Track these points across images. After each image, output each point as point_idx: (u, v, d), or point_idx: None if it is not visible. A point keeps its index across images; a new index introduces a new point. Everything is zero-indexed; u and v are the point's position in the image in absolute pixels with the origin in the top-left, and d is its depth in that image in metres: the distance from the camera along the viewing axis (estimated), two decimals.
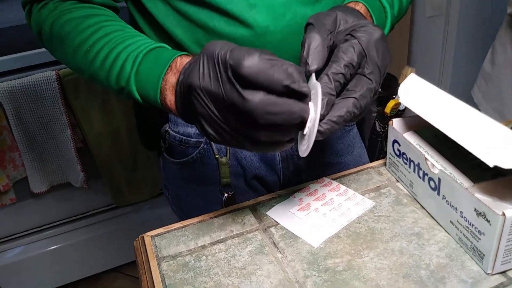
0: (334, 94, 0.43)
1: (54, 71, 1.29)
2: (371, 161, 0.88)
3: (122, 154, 1.47)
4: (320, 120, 0.42)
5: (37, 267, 1.60)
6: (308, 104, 0.40)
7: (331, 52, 0.46)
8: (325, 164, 0.75)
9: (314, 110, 0.41)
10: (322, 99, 0.42)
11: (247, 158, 0.71)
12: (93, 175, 1.48)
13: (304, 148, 0.44)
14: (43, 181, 1.43)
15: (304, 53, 0.44)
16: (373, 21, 0.56)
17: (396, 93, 1.03)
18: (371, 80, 0.44)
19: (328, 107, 0.42)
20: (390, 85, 1.02)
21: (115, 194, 1.54)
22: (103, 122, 1.39)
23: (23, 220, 1.53)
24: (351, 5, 0.55)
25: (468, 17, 1.76)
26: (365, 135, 0.93)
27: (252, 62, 0.38)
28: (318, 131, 0.42)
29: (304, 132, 0.42)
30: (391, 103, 0.87)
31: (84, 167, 1.43)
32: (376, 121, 1.01)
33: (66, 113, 1.34)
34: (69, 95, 1.32)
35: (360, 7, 0.55)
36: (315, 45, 0.44)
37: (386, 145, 1.04)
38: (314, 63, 0.44)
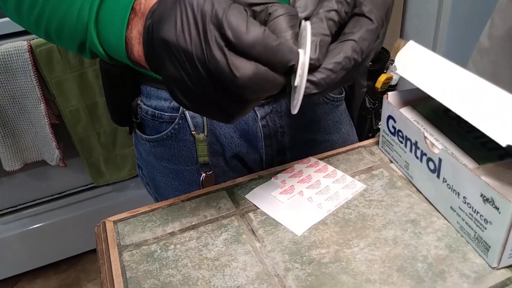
0: (328, 35, 0.35)
1: (25, 41, 1.19)
2: (360, 139, 0.83)
3: (101, 130, 1.40)
4: (314, 67, 0.35)
5: (14, 248, 1.54)
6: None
7: None
8: (311, 142, 0.70)
9: (303, 54, 0.34)
10: (313, 41, 0.34)
11: (226, 135, 0.65)
12: (70, 152, 1.41)
13: (295, 103, 0.36)
14: (16, 159, 1.36)
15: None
16: None
17: (387, 67, 0.96)
18: (370, 19, 0.37)
19: (323, 49, 0.35)
20: (381, 59, 0.95)
21: (93, 172, 1.47)
22: (79, 96, 1.31)
23: None
24: None
25: None
26: (354, 111, 0.86)
27: (255, 35, 0.31)
28: (311, 81, 0.35)
29: (295, 84, 0.35)
30: (382, 77, 0.80)
31: (59, 144, 1.35)
32: (366, 97, 0.95)
33: (39, 86, 1.26)
34: (42, 67, 1.23)
35: None
36: None
37: (376, 122, 0.98)
38: (304, 8, 0.37)
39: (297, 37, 0.34)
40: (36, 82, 1.25)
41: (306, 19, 0.37)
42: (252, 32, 0.32)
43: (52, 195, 1.53)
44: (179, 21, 0.33)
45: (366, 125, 0.93)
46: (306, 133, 0.68)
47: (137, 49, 0.39)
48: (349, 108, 0.78)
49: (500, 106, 0.39)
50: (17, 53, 1.19)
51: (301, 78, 0.34)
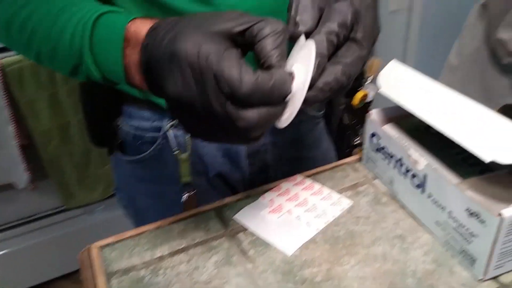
0: (326, 55, 0.37)
1: None
2: (338, 155, 0.84)
3: (73, 151, 1.36)
4: (310, 85, 0.36)
5: None
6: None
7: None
8: (293, 159, 0.70)
9: (305, 72, 0.35)
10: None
11: (209, 154, 0.64)
12: (40, 175, 1.36)
13: (286, 117, 0.37)
14: None
15: (293, 11, 0.39)
16: None
17: (363, 84, 0.99)
18: (363, 46, 0.39)
19: (319, 70, 0.37)
20: (357, 77, 0.98)
21: (64, 195, 1.42)
22: (51, 117, 1.28)
23: None
24: None
25: (431, 11, 1.77)
26: (333, 128, 0.88)
27: (250, 86, 0.32)
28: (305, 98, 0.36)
29: (287, 99, 0.36)
30: (359, 94, 0.82)
31: (29, 166, 1.31)
32: (344, 114, 0.97)
33: (9, 106, 1.22)
34: (12, 86, 1.20)
35: None
36: (305, 4, 0.39)
37: (355, 138, 1.00)
38: (305, 23, 0.38)
39: (283, 56, 0.35)
40: (6, 102, 1.21)
41: (307, 33, 0.38)
42: (246, 83, 0.32)
43: (21, 219, 1.47)
44: (180, 80, 0.34)
45: (344, 141, 0.94)
46: (288, 150, 0.69)
47: (138, 78, 0.39)
48: (328, 125, 0.80)
49: (480, 122, 0.41)
50: None
51: (295, 95, 0.35)
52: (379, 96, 0.55)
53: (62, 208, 1.49)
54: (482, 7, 0.90)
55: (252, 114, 0.33)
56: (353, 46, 0.39)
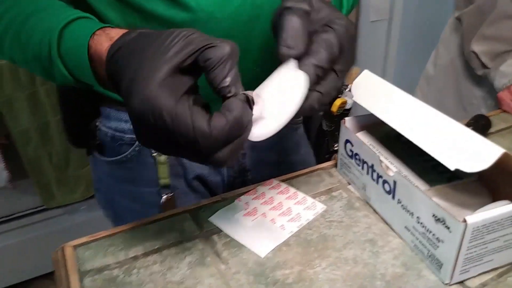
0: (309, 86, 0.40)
1: None
2: (317, 160, 0.85)
3: (53, 150, 1.35)
4: None
5: None
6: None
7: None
8: (271, 163, 0.71)
9: (292, 100, 0.38)
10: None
11: None
12: (19, 174, 1.35)
13: (259, 133, 0.38)
14: None
15: (284, 35, 0.40)
16: None
17: (342, 92, 1.00)
18: (341, 76, 0.41)
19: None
20: None
21: (44, 194, 1.41)
22: (30, 116, 1.27)
23: None
24: None
25: (410, 22, 1.80)
26: (312, 134, 0.89)
27: (207, 137, 0.34)
28: None
29: (255, 115, 0.37)
30: (337, 102, 0.84)
31: (8, 165, 1.29)
32: (322, 120, 0.98)
33: None
34: None
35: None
36: (297, 28, 0.40)
37: (333, 144, 1.02)
38: (296, 48, 0.40)
39: (235, 81, 0.36)
40: None
41: (296, 57, 0.40)
42: (204, 138, 0.34)
43: (1, 218, 1.45)
44: (142, 130, 0.36)
45: (323, 146, 0.96)
46: (267, 154, 0.70)
47: (111, 88, 0.40)
48: (307, 130, 0.81)
49: (447, 132, 0.42)
50: None
51: (275, 113, 0.38)
52: (357, 104, 0.56)
53: (42, 207, 1.48)
54: (457, 20, 0.93)
55: (220, 155, 0.35)
56: (332, 76, 0.41)
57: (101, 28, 0.41)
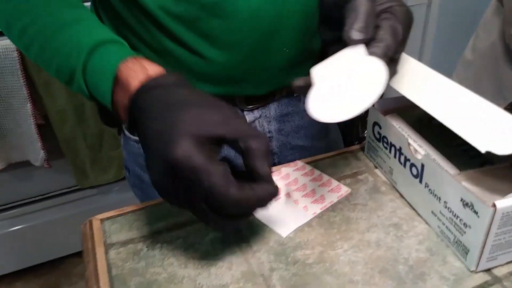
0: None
1: None
2: (346, 147, 0.84)
3: (87, 132, 1.39)
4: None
5: None
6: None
7: None
8: (298, 147, 0.71)
9: (372, 92, 0.38)
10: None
11: None
12: (55, 154, 1.39)
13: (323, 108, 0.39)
14: (0, 158, 1.34)
15: (357, 18, 0.39)
16: None
17: None
18: (396, 65, 0.43)
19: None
20: None
21: (78, 174, 1.45)
22: (67, 97, 1.30)
23: None
24: None
25: (449, 7, 1.74)
26: None
27: (234, 201, 0.35)
28: None
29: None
30: None
31: (45, 145, 1.34)
32: None
33: (27, 86, 1.25)
34: (30, 67, 1.22)
35: None
36: (369, 12, 0.39)
37: (363, 131, 1.00)
38: (366, 33, 0.39)
39: (270, 173, 0.38)
40: (24, 82, 1.24)
41: (366, 42, 0.40)
42: (231, 201, 0.35)
43: (36, 197, 1.50)
44: (165, 180, 0.37)
45: (353, 133, 0.94)
46: (294, 138, 0.69)
47: (123, 116, 0.42)
48: None
49: (481, 115, 0.41)
50: (4, 52, 1.18)
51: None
52: (390, 88, 0.55)
53: (77, 187, 1.52)
54: (499, 2, 0.88)
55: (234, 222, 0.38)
56: (392, 64, 0.42)
57: (135, 56, 0.42)
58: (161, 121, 0.36)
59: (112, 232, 0.47)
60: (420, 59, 1.82)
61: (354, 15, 0.39)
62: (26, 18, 0.47)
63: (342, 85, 0.39)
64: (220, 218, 0.37)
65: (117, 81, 0.41)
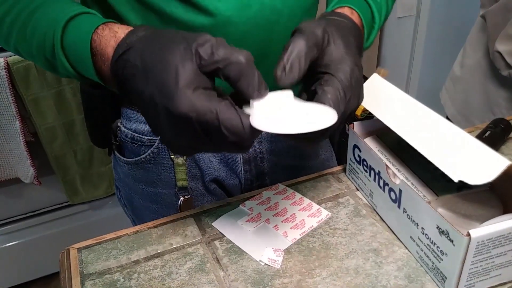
0: None
1: (2, 58, 1.19)
2: (340, 165, 0.84)
3: (77, 148, 1.38)
4: None
5: None
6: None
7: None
8: (290, 167, 0.70)
9: (313, 125, 0.36)
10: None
11: (205, 159, 0.65)
12: (45, 170, 1.39)
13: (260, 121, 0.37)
14: None
15: (285, 58, 0.39)
16: (363, 31, 0.51)
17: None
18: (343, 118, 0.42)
19: None
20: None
21: (68, 191, 1.45)
22: (56, 114, 1.30)
23: None
24: (347, 12, 0.49)
25: (438, 19, 1.75)
26: (334, 137, 0.87)
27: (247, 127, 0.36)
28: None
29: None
30: (361, 106, 0.82)
31: (34, 162, 1.34)
32: (346, 123, 0.96)
33: (15, 103, 1.25)
34: (19, 84, 1.22)
35: (355, 17, 0.50)
36: (300, 53, 0.39)
37: None
38: (291, 75, 0.39)
39: (261, 85, 0.37)
40: (12, 99, 1.23)
41: (291, 86, 0.39)
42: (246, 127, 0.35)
43: (26, 213, 1.50)
44: (173, 131, 0.37)
45: (346, 151, 0.94)
46: (285, 158, 0.69)
47: (113, 86, 0.41)
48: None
49: (455, 142, 0.41)
50: None
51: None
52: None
53: (67, 203, 1.52)
54: (482, 19, 0.89)
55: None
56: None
57: (105, 23, 0.42)
58: (148, 83, 0.37)
59: (89, 261, 0.46)
60: (410, 69, 1.83)
61: (283, 54, 0.39)
62: (4, 7, 0.48)
63: (295, 108, 0.39)
64: (238, 146, 0.37)
65: (94, 52, 0.41)
